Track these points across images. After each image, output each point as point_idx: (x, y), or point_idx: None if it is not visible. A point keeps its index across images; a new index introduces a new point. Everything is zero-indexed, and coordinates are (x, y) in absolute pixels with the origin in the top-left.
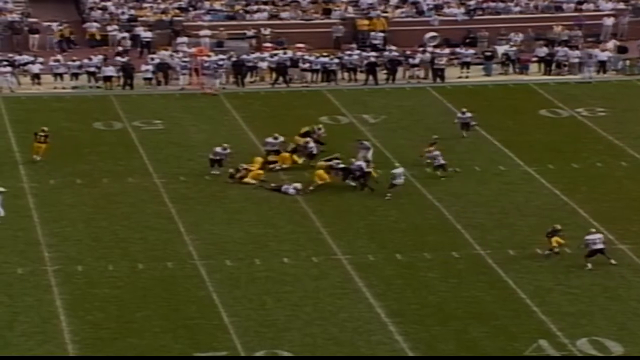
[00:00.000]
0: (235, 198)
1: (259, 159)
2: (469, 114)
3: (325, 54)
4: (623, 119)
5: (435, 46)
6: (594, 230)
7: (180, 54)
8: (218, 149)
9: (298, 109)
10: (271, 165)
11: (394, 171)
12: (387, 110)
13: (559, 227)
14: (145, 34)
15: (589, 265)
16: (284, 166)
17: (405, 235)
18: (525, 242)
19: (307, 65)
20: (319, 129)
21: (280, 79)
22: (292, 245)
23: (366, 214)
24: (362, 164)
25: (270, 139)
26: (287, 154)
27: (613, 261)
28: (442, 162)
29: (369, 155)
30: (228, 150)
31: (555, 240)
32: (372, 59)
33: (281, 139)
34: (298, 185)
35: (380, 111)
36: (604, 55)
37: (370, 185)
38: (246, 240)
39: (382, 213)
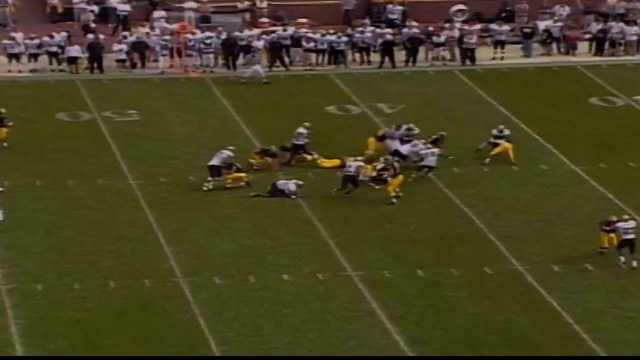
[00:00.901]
0: (226, 203)
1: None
2: (506, 132)
3: (332, 31)
4: None
5: (464, 21)
6: (627, 217)
7: (159, 31)
8: (226, 153)
9: (300, 97)
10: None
11: (423, 151)
12: (406, 98)
13: (614, 219)
14: (123, 7)
15: (622, 260)
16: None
17: (427, 247)
18: (572, 255)
19: (311, 45)
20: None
21: (280, 61)
22: (293, 259)
23: (381, 222)
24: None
25: (302, 130)
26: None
27: (635, 264)
28: (432, 164)
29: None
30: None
31: (608, 238)
32: (389, 37)
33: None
34: (299, 182)
35: (398, 99)
36: None
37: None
38: (238, 253)
39: (400, 221)
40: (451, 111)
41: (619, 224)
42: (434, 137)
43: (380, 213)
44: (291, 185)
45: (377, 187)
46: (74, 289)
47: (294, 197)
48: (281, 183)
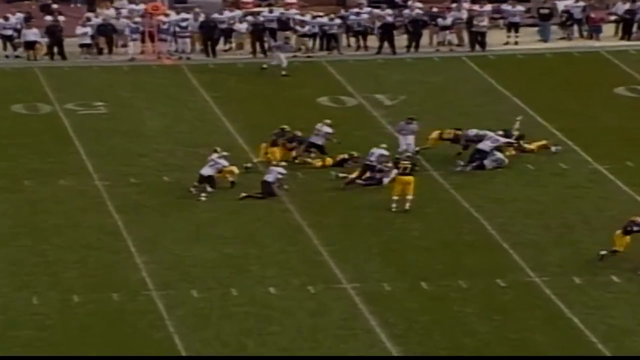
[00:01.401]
0: (205, 206)
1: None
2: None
3: (323, 12)
4: None
5: (472, 1)
6: None
7: (127, 12)
8: (221, 163)
9: (288, 87)
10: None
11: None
12: (408, 88)
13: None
14: None
15: None
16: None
17: (432, 256)
18: (596, 265)
19: (306, 29)
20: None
21: (267, 45)
22: (281, 269)
23: (380, 228)
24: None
25: (327, 128)
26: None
27: None
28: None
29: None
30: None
31: (624, 241)
32: (388, 19)
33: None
34: (282, 170)
35: (399, 90)
36: None
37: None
38: (219, 263)
39: (402, 226)
40: (459, 103)
41: (636, 219)
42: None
43: (379, 218)
44: (278, 172)
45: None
46: (32, 305)
47: (284, 187)
48: (269, 177)
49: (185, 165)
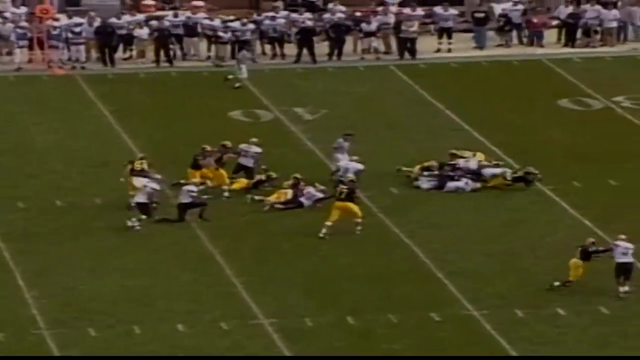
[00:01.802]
0: (104, 233)
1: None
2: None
3: (233, 17)
4: None
5: (400, 4)
6: (623, 236)
7: (10, 14)
8: (146, 182)
9: (197, 99)
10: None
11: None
12: (330, 100)
13: (592, 241)
14: None
15: (622, 290)
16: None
17: (360, 287)
18: (541, 297)
19: (226, 37)
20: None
21: (179, 52)
22: (191, 303)
23: (302, 256)
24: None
25: (250, 146)
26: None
27: (625, 289)
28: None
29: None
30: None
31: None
32: (308, 24)
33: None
34: (193, 188)
35: (321, 102)
36: None
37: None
38: (120, 297)
39: (327, 254)
40: (387, 116)
41: (616, 243)
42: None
43: (300, 245)
44: (185, 194)
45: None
46: None
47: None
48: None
49: (81, 187)
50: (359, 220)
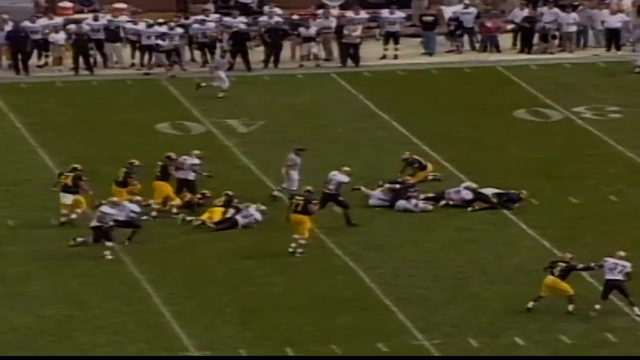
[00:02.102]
0: (17, 258)
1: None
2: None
3: (162, 20)
4: None
5: (342, 7)
6: (622, 254)
7: None
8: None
9: (120, 111)
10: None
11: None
12: (267, 111)
13: (569, 256)
14: None
15: (596, 307)
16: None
17: (300, 316)
18: (497, 324)
19: (155, 42)
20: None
21: (100, 58)
22: (114, 335)
23: (237, 283)
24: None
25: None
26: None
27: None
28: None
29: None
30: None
31: (553, 282)
32: (241, 28)
33: None
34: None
35: (256, 113)
36: (615, 20)
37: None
38: (35, 329)
39: (263, 280)
40: (328, 129)
41: (606, 260)
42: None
43: (234, 270)
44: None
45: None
46: None
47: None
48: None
49: None
50: (303, 240)
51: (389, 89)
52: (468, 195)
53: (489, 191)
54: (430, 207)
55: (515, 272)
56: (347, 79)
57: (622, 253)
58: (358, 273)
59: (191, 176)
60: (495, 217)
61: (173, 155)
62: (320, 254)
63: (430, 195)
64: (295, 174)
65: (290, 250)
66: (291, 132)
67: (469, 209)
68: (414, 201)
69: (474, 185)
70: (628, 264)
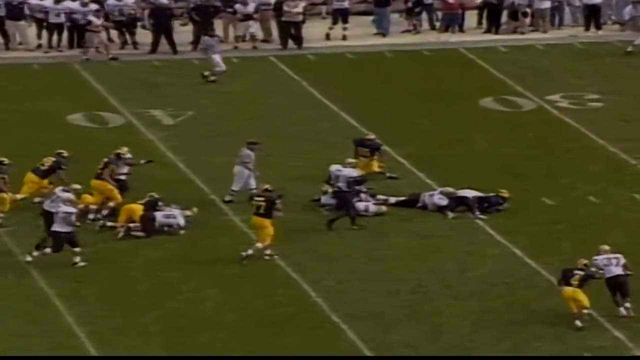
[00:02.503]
0: None
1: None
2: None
3: None
4: (636, 114)
5: None
6: (606, 247)
7: None
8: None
9: (26, 100)
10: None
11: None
12: (196, 100)
13: (584, 262)
14: None
15: (623, 311)
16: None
17: (234, 335)
18: (459, 345)
19: (58, 19)
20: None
21: (1, 40)
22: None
23: (163, 297)
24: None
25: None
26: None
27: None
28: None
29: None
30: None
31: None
32: (164, 2)
33: None
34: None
35: (185, 103)
36: None
37: None
38: None
39: (192, 295)
40: (267, 121)
41: (597, 258)
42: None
43: (159, 283)
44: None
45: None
46: None
47: None
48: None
49: None
50: (261, 245)
51: (337, 75)
52: (442, 200)
53: (470, 194)
54: (385, 209)
55: (481, 285)
56: (289, 63)
57: (606, 247)
58: (302, 286)
59: (123, 175)
60: (460, 221)
61: (124, 151)
62: (258, 264)
63: (402, 198)
64: (251, 172)
65: (243, 255)
66: (224, 124)
67: (450, 215)
68: (363, 204)
69: (451, 190)
70: (619, 255)
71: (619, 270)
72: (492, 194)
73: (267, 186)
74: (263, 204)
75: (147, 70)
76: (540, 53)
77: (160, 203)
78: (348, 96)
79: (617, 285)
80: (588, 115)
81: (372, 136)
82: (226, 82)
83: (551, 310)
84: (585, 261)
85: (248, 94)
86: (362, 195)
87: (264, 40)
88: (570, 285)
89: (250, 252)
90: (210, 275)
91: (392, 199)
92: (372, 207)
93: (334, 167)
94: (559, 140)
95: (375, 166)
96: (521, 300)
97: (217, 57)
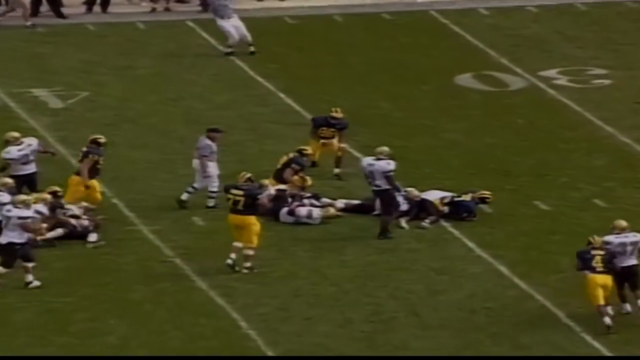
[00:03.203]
0: None
1: None
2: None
3: None
4: None
5: None
6: (623, 223)
7: None
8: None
9: None
10: None
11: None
12: (91, 77)
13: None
14: None
15: (629, 308)
16: None
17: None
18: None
19: None
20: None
21: None
22: None
23: (49, 330)
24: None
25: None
26: None
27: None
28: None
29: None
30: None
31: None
32: None
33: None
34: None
35: (77, 81)
36: None
37: None
38: None
39: (88, 326)
40: (184, 104)
41: (608, 239)
42: None
43: (44, 310)
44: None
45: None
46: None
47: None
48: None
49: None
50: (251, 251)
51: (273, 45)
52: (402, 205)
53: (434, 196)
54: (333, 212)
55: (457, 313)
56: (211, 30)
57: (622, 222)
58: (230, 314)
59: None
60: (429, 232)
61: (102, 138)
62: (175, 286)
63: (355, 202)
64: (213, 166)
65: (229, 262)
66: (128, 107)
67: (425, 222)
68: (305, 209)
69: (416, 192)
70: (638, 236)
71: (633, 260)
72: (468, 197)
73: (248, 175)
74: (241, 198)
75: (29, 40)
76: (531, 17)
77: (63, 200)
78: (287, 72)
79: (628, 276)
80: (592, 96)
81: (338, 113)
82: (131, 54)
83: (547, 344)
84: (600, 238)
85: (158, 69)
86: (305, 201)
87: (179, 1)
88: (594, 270)
89: (233, 258)
90: (111, 301)
91: (341, 203)
92: (317, 213)
93: (365, 161)
94: (555, 127)
95: (338, 150)
96: (508, 331)
97: (226, 25)
